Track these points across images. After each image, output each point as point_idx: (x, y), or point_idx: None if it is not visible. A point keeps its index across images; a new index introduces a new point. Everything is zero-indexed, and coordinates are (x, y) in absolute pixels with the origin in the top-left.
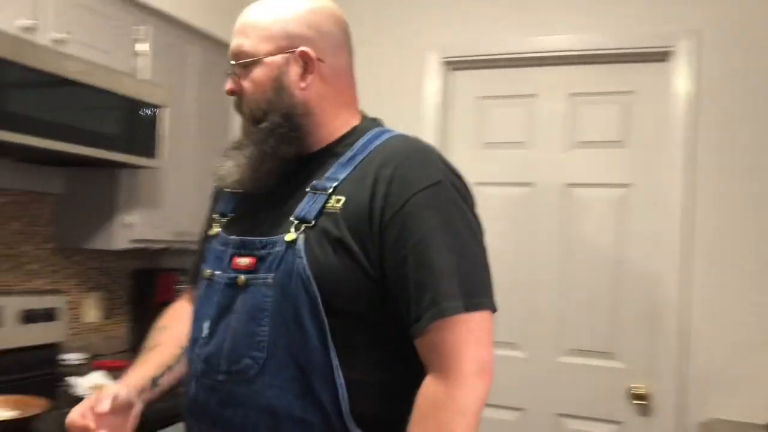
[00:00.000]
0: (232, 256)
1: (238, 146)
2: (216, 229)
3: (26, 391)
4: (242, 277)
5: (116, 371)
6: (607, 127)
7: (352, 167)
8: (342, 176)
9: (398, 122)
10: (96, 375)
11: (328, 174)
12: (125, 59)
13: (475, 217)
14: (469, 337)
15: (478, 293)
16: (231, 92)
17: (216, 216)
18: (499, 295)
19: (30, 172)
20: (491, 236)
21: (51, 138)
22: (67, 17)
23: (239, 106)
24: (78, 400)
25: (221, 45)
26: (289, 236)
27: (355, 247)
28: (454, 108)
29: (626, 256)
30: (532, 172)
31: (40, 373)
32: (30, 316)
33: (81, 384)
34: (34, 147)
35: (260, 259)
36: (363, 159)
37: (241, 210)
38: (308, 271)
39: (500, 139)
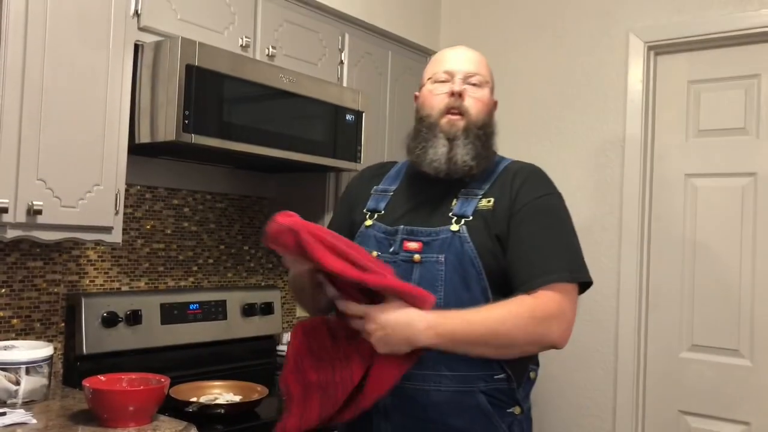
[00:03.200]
0: (402, 240)
1: (453, 138)
2: (370, 221)
3: (247, 378)
4: (417, 255)
5: None
6: None
7: (493, 179)
8: (486, 186)
9: (602, 112)
10: None
11: (474, 184)
12: (330, 69)
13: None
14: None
15: (581, 269)
16: (460, 94)
17: (366, 212)
18: (717, 298)
19: (246, 178)
20: (705, 233)
21: (267, 146)
22: (278, 34)
23: (459, 107)
24: None
25: (412, 49)
26: (454, 227)
27: (501, 233)
28: (661, 95)
29: None
30: (754, 160)
31: (259, 362)
32: (250, 310)
33: None
34: (254, 154)
35: (426, 243)
36: (499, 174)
37: (393, 208)
38: (474, 252)
39: (716, 126)
